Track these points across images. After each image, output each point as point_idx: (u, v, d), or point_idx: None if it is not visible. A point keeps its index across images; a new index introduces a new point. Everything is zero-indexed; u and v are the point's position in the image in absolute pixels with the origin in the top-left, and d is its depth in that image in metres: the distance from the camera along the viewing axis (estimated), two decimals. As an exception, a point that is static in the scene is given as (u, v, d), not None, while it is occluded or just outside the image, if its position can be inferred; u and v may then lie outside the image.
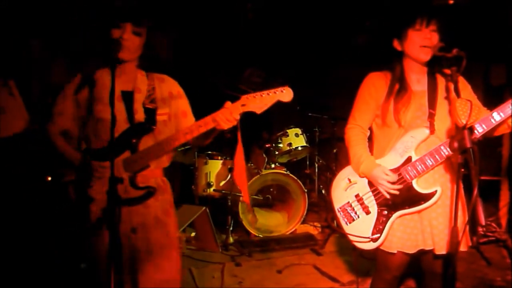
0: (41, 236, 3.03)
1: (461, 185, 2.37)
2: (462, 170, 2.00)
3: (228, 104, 2.17)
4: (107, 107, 2.22)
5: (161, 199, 2.40)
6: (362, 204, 2.44)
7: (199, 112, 2.36)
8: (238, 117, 2.15)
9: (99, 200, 2.19)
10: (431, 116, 2.33)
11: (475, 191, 1.90)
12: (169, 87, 2.45)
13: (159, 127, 2.34)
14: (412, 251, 2.37)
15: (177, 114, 2.45)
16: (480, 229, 4.40)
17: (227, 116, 2.14)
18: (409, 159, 2.34)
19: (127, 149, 2.24)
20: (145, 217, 2.33)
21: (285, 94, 2.13)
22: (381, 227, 2.38)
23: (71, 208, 2.25)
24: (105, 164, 2.21)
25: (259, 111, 2.15)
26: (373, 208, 2.42)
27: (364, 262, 4.06)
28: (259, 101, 2.14)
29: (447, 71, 2.33)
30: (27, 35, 3.97)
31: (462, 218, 2.31)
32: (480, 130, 2.20)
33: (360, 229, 2.42)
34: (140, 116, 2.29)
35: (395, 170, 2.35)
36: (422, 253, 2.41)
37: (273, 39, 6.42)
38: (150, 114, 2.31)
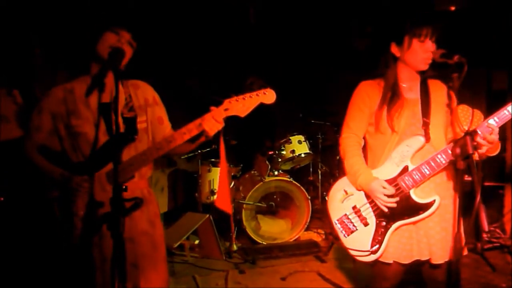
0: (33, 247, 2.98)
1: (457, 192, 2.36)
2: (466, 176, 1.99)
3: (213, 108, 2.14)
4: (86, 121, 2.22)
5: (147, 210, 2.36)
6: (359, 216, 2.42)
7: (183, 118, 2.32)
8: (222, 122, 2.13)
9: (82, 215, 2.16)
10: (426, 125, 2.32)
11: (478, 197, 1.90)
12: (144, 93, 2.40)
13: (139, 135, 2.29)
14: (407, 261, 2.36)
15: (153, 121, 2.40)
16: (484, 235, 4.39)
17: (212, 122, 2.11)
18: (405, 169, 2.32)
19: (111, 160, 2.16)
20: (131, 231, 2.26)
21: (268, 96, 2.10)
22: (380, 238, 2.36)
23: (56, 225, 2.20)
24: (87, 178, 2.17)
25: (242, 114, 2.11)
26: (371, 220, 2.39)
27: (367, 269, 4.05)
28: (242, 105, 2.10)
29: (436, 81, 2.33)
30: (31, 45, 3.99)
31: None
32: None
33: (359, 241, 2.40)
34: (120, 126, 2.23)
35: (392, 180, 2.34)
36: (419, 263, 2.39)
37: (275, 46, 6.44)
38: (131, 123, 2.26)
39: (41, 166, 2.26)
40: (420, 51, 2.29)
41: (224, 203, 2.49)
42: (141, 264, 2.31)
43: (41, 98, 2.31)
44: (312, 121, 5.72)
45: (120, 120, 2.23)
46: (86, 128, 2.21)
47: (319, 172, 5.97)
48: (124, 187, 1.86)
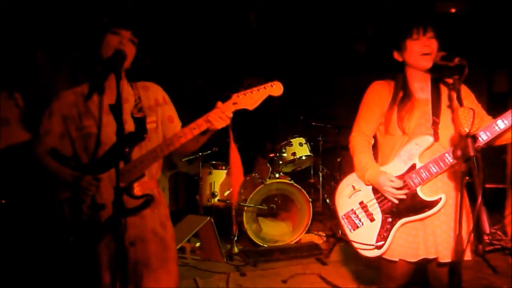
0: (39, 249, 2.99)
1: (465, 193, 2.37)
2: (467, 178, 2.00)
3: (220, 104, 2.16)
4: (96, 121, 2.23)
5: (157, 211, 2.37)
6: (366, 211, 2.44)
7: (191, 116, 2.34)
8: (230, 115, 2.15)
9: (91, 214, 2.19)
10: (435, 124, 2.34)
11: (479, 199, 1.90)
12: (154, 94, 2.43)
13: (148, 135, 2.31)
14: (413, 259, 2.37)
15: (163, 120, 2.43)
16: (485, 237, 4.38)
17: (220, 115, 2.14)
18: (413, 167, 2.34)
19: (121, 159, 2.18)
20: (142, 230, 2.30)
21: (275, 89, 2.14)
22: (385, 234, 2.38)
23: (64, 226, 2.21)
24: (101, 176, 2.19)
25: (251, 107, 2.15)
26: (378, 216, 2.41)
27: (369, 271, 4.05)
28: (250, 98, 2.14)
29: (449, 81, 2.35)
30: (32, 47, 4.00)
31: (466, 226, 2.31)
32: (484, 137, 2.21)
33: (364, 236, 2.42)
34: (129, 126, 2.26)
35: (400, 177, 2.36)
36: (426, 261, 2.41)
37: (276, 48, 6.45)
38: (140, 123, 2.28)
39: (52, 169, 2.28)
40: (417, 49, 2.32)
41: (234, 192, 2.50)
42: (151, 264, 2.32)
43: (47, 101, 2.33)
44: (313, 123, 5.72)
45: (130, 120, 2.26)
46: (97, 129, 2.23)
47: (320, 174, 5.97)
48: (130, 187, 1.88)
